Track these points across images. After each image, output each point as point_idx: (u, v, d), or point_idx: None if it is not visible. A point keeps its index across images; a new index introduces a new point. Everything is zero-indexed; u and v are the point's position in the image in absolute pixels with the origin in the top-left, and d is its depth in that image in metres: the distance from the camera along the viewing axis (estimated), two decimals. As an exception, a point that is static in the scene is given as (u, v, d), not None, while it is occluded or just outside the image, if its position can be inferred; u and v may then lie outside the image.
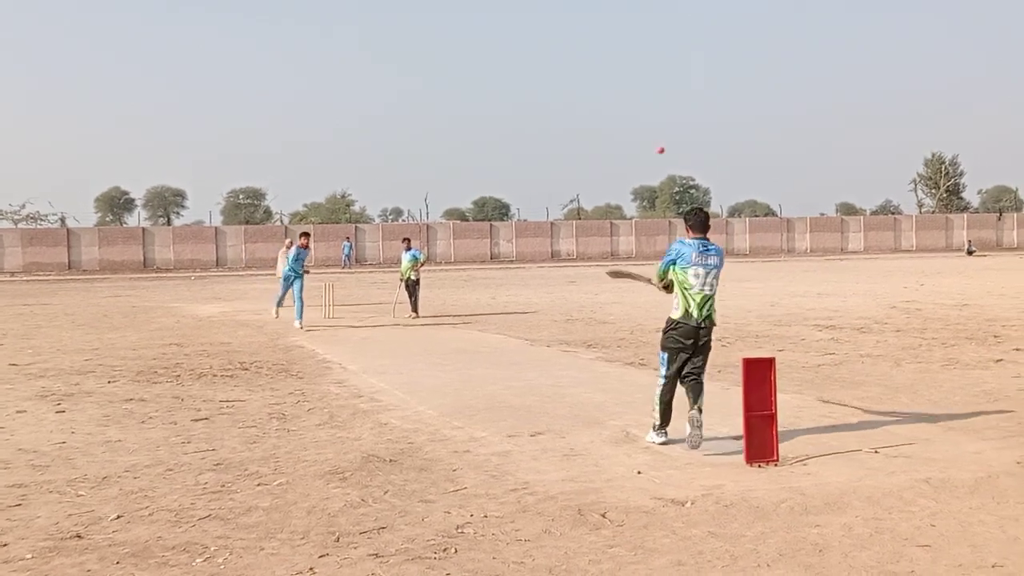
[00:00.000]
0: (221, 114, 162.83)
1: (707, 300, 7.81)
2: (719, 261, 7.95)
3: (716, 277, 7.90)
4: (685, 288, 7.81)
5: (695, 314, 7.76)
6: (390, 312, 22.36)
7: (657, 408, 7.90)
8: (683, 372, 7.81)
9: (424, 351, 14.81)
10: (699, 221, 8.08)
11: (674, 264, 7.90)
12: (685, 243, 7.97)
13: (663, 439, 7.84)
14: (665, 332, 7.93)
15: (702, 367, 7.82)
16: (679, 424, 7.65)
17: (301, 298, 19.38)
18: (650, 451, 7.49)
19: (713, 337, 7.95)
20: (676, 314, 7.83)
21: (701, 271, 7.82)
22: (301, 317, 19.16)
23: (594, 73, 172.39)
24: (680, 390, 7.80)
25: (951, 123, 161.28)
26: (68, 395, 10.91)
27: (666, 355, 7.89)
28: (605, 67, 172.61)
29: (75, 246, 63.16)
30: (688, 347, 7.75)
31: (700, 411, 7.57)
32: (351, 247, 63.63)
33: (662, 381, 7.90)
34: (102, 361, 14.19)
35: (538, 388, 10.71)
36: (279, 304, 20.79)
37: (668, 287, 8.03)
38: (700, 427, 7.50)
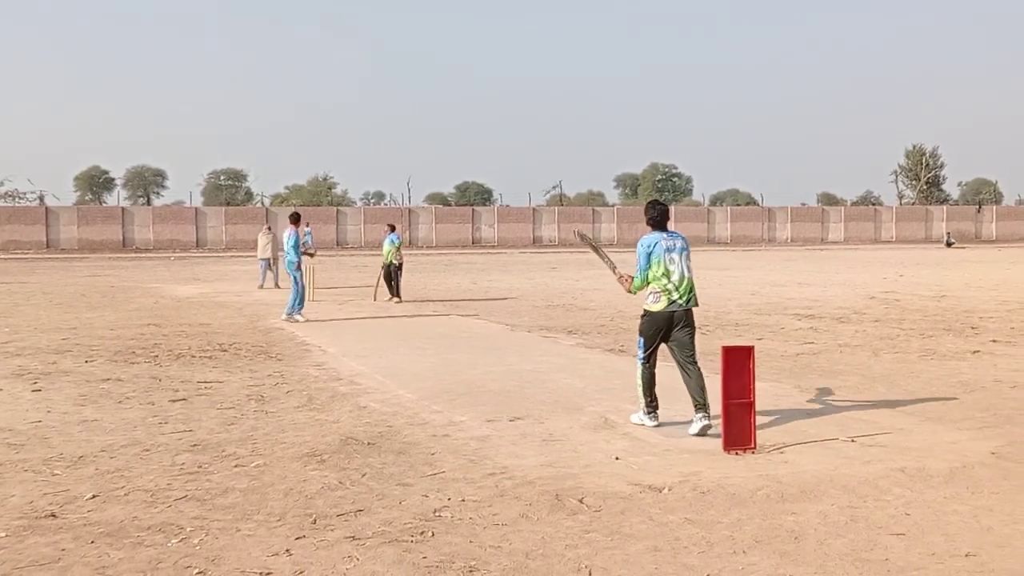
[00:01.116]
0: (202, 94, 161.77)
1: (690, 284, 7.98)
2: (685, 243, 8.18)
3: (688, 258, 8.10)
4: (667, 278, 7.91)
5: (680, 300, 7.90)
6: (371, 296, 22.29)
7: (640, 391, 8.06)
8: (678, 361, 7.93)
9: (404, 335, 14.79)
10: (659, 216, 8.24)
11: (653, 257, 7.97)
12: (650, 237, 8.14)
13: (655, 422, 7.97)
14: (645, 317, 8.05)
15: (694, 350, 7.91)
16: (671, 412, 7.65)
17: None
18: (628, 437, 7.50)
19: (692, 315, 8.06)
20: (658, 307, 7.93)
21: (676, 256, 7.98)
22: (300, 308, 17.32)
23: (578, 59, 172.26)
24: (675, 377, 7.80)
25: (932, 115, 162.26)
26: (45, 374, 10.84)
27: (643, 339, 8.05)
28: (588, 53, 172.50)
29: (53, 225, 62.69)
30: (667, 327, 7.91)
31: (705, 405, 7.63)
32: (310, 233, 62.85)
33: (640, 360, 8.06)
34: (79, 340, 14.09)
35: (518, 373, 10.71)
36: (298, 302, 17.48)
37: (646, 285, 8.06)
38: (707, 418, 7.59)
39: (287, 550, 4.91)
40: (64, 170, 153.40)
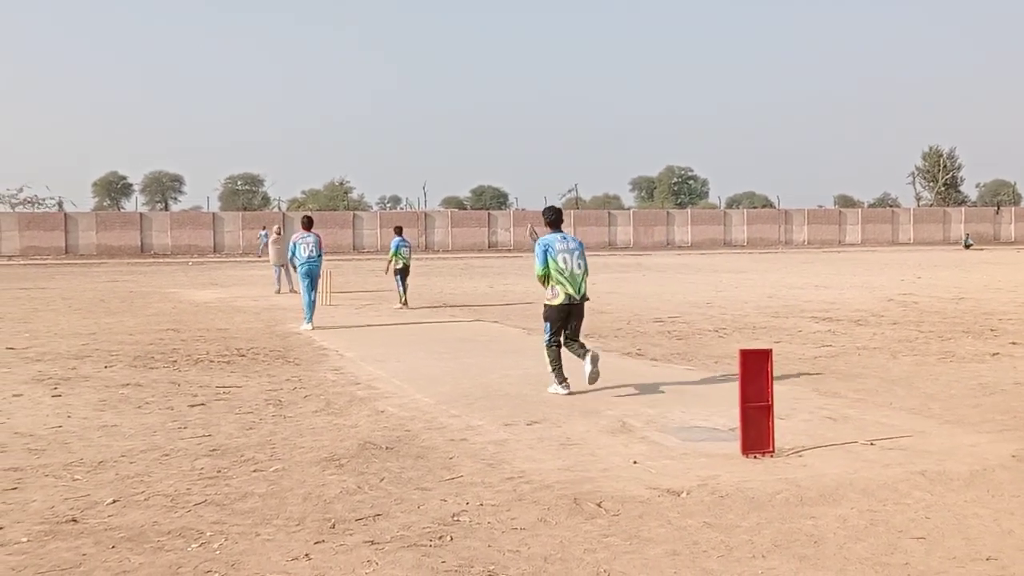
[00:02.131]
0: (220, 100, 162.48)
1: (581, 279, 9.78)
2: (577, 245, 9.96)
3: (581, 257, 9.86)
4: (560, 273, 9.66)
5: (575, 294, 9.72)
6: (397, 301, 21.73)
7: (550, 365, 9.78)
8: (565, 336, 9.80)
9: (421, 339, 14.81)
10: (554, 218, 10.13)
11: (549, 255, 9.66)
12: (547, 237, 9.85)
13: (567, 390, 9.60)
14: (547, 308, 9.84)
15: (578, 330, 9.91)
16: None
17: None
18: (646, 441, 7.49)
19: (583, 306, 9.90)
20: (556, 300, 9.72)
21: (567, 256, 9.72)
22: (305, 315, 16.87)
23: (593, 63, 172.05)
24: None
25: (950, 116, 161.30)
26: (65, 379, 10.91)
27: (549, 324, 9.87)
28: (604, 57, 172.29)
29: (72, 230, 63.13)
30: (567, 316, 9.79)
31: (592, 356, 9.47)
32: (267, 235, 61.63)
33: (547, 344, 9.87)
34: (99, 346, 14.18)
35: (535, 377, 10.71)
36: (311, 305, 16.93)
37: (545, 279, 9.74)
38: (596, 362, 9.49)
39: (306, 554, 4.93)
40: (82, 176, 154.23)
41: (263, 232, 59.21)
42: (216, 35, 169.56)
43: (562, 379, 9.69)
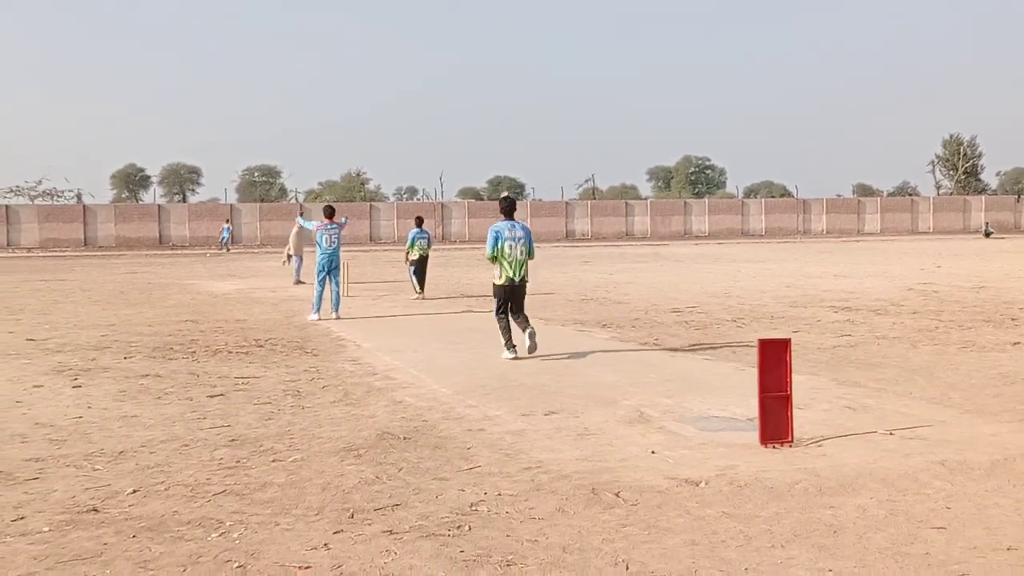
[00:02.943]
0: (237, 92, 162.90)
1: (521, 265, 11.45)
2: (525, 234, 11.52)
3: (525, 245, 11.46)
4: (505, 258, 11.33)
5: (515, 277, 11.41)
6: (412, 291, 21.82)
7: (501, 334, 11.44)
8: (511, 310, 11.47)
9: (438, 330, 14.82)
10: (507, 207, 11.65)
11: (498, 240, 11.27)
12: (497, 225, 11.46)
13: (513, 355, 11.22)
14: (494, 286, 11.56)
15: (521, 306, 11.58)
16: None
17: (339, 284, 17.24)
18: (664, 431, 7.48)
19: (527, 290, 11.71)
20: (500, 280, 11.43)
21: (513, 243, 11.36)
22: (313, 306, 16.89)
23: (610, 53, 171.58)
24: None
25: (970, 104, 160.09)
26: (85, 370, 10.97)
27: (496, 300, 11.58)
28: (621, 47, 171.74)
29: (91, 223, 63.48)
30: (511, 293, 11.44)
31: (530, 332, 11.28)
32: (230, 230, 60.39)
33: (496, 315, 11.59)
34: (118, 337, 14.26)
35: (552, 367, 10.71)
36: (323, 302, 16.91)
37: (493, 261, 11.43)
38: (534, 337, 11.28)
39: (325, 544, 4.94)
40: (101, 168, 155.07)
41: (226, 226, 59.38)
42: (234, 27, 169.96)
43: (510, 346, 11.31)
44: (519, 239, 11.38)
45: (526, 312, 11.70)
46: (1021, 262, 32.51)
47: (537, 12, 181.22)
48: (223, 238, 59.22)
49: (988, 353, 11.48)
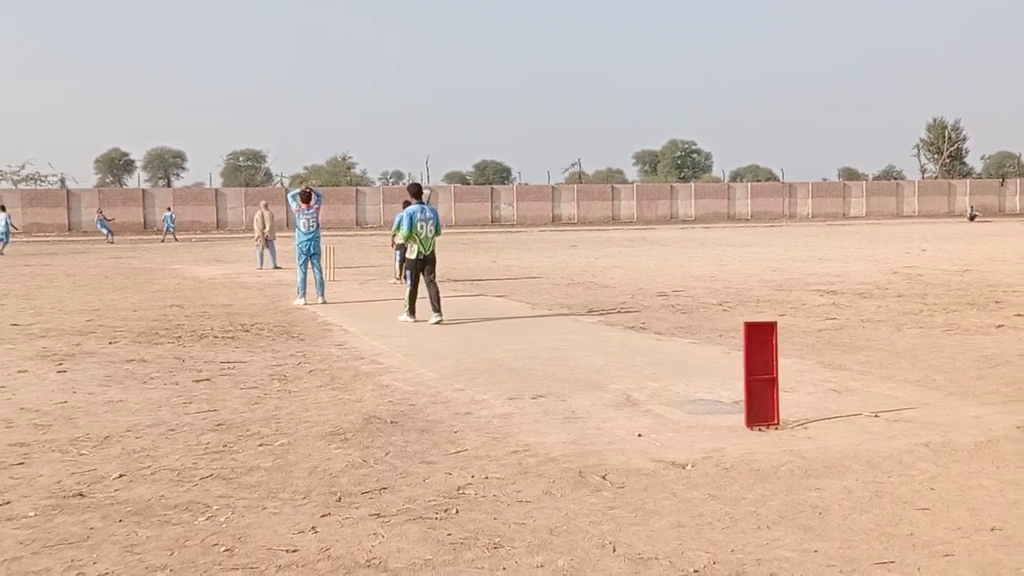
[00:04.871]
0: (222, 76, 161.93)
1: (430, 241, 13.70)
2: (433, 214, 13.83)
3: (435, 224, 13.78)
4: (417, 236, 13.57)
5: (425, 250, 13.66)
6: (393, 276, 21.84)
7: (407, 301, 13.68)
8: (426, 282, 13.61)
9: (424, 314, 14.79)
10: (416, 191, 14.01)
11: (412, 221, 13.44)
12: (410, 208, 13.65)
13: (413, 319, 13.50)
14: (407, 261, 13.99)
15: (434, 274, 13.86)
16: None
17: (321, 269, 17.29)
18: (651, 414, 7.50)
19: (436, 259, 14.03)
20: (413, 256, 13.72)
21: (424, 223, 13.63)
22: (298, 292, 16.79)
23: (596, 37, 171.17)
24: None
25: (955, 88, 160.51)
26: (69, 355, 10.92)
27: (410, 273, 13.84)
28: (607, 31, 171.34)
29: (75, 207, 63.11)
30: (422, 266, 13.69)
31: (439, 308, 13.40)
32: (173, 217, 54.35)
33: (408, 285, 13.82)
34: (103, 322, 14.20)
35: (539, 351, 10.72)
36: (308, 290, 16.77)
37: (406, 239, 13.66)
38: (439, 322, 13.23)
39: (313, 527, 4.95)
40: (85, 153, 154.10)
41: (168, 213, 54.14)
42: (220, 8, 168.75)
43: (412, 312, 13.63)
44: (428, 219, 13.65)
45: (438, 283, 13.97)
46: (1005, 245, 32.68)
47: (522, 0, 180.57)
48: (168, 225, 52.61)
49: (972, 336, 11.54)
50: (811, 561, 4.41)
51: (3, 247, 38.68)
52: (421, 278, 13.78)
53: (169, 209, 57.26)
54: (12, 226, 42.04)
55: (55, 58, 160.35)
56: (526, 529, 4.89)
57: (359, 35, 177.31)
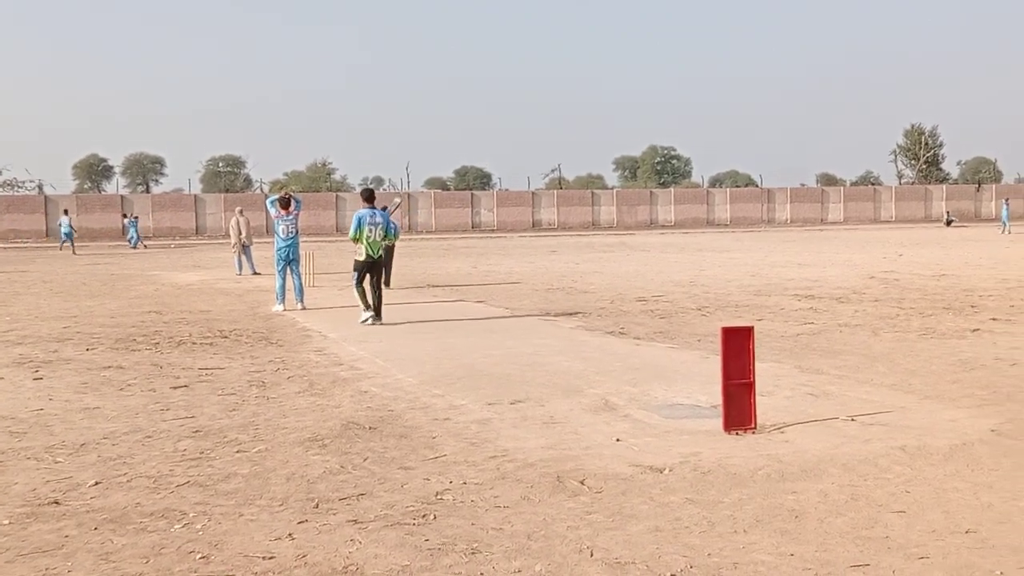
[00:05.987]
0: (201, 81, 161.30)
1: (378, 244, 14.06)
2: (383, 219, 14.23)
3: (384, 228, 14.17)
4: (367, 239, 13.93)
5: (372, 254, 14.01)
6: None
7: (359, 300, 14.04)
8: (371, 283, 14.03)
9: (404, 320, 14.78)
10: (368, 196, 14.53)
11: (360, 225, 13.88)
12: (360, 212, 14.10)
13: (369, 314, 13.93)
14: (356, 262, 14.08)
15: (379, 279, 14.25)
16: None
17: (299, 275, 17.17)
18: (629, 419, 7.52)
19: (389, 265, 15.04)
20: (361, 257, 13.98)
21: (372, 227, 14.03)
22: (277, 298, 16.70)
23: (576, 43, 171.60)
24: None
25: (931, 95, 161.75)
26: (46, 362, 10.85)
27: (356, 273, 14.05)
28: (586, 36, 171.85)
29: (53, 213, 62.51)
30: (368, 268, 14.00)
31: (379, 313, 14.05)
32: (137, 223, 51.80)
33: (356, 286, 14.05)
34: (80, 328, 14.11)
35: (518, 357, 10.72)
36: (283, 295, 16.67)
37: (355, 241, 14.03)
38: (379, 318, 13.98)
39: (290, 534, 4.93)
40: (63, 159, 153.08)
41: (133, 219, 51.48)
42: (195, 15, 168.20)
43: (367, 307, 13.98)
44: (377, 224, 14.06)
45: (383, 288, 14.69)
46: (981, 250, 32.94)
47: (504, 3, 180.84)
48: (131, 236, 49.52)
49: (948, 340, 11.62)
50: (787, 564, 4.44)
51: None
52: (367, 280, 14.09)
53: (130, 216, 54.64)
54: None
55: (32, 64, 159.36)
56: (504, 534, 4.89)
57: (340, 40, 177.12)
